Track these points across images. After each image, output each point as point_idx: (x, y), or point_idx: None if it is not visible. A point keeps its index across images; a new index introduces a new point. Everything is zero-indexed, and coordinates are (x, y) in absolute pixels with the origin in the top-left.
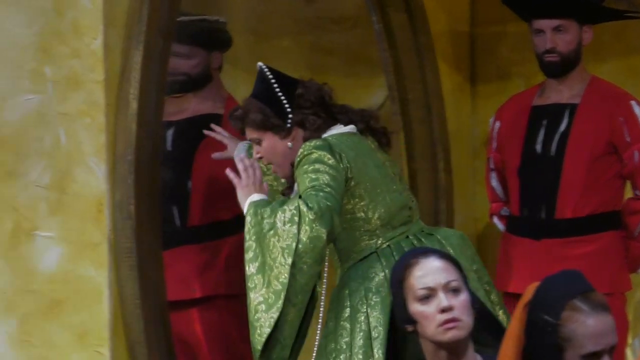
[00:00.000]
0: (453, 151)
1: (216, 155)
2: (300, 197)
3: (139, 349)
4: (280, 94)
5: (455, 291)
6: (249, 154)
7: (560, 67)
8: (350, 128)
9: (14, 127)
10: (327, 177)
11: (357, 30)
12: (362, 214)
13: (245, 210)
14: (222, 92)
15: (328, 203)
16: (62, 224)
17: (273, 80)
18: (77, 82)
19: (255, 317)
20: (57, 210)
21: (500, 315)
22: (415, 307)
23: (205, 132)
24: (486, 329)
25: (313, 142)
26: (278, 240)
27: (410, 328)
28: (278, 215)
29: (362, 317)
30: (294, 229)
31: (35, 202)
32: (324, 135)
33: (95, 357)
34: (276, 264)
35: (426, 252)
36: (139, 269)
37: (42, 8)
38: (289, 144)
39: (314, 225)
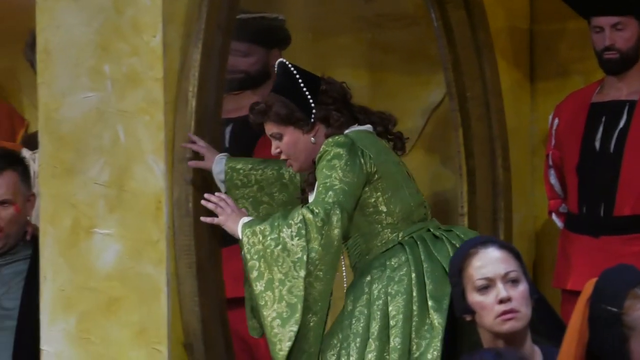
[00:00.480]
0: (511, 148)
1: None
2: (303, 206)
3: (197, 346)
4: (304, 88)
5: (514, 282)
6: (229, 168)
7: (619, 64)
8: (368, 127)
9: (74, 125)
10: (340, 173)
11: (416, 27)
12: (384, 207)
13: (240, 234)
14: None
15: (336, 199)
16: (120, 221)
17: (297, 76)
18: (136, 79)
19: (273, 333)
20: (115, 207)
21: None
22: (474, 297)
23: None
24: (544, 319)
25: (335, 138)
26: (288, 255)
27: (468, 318)
28: (284, 231)
29: (381, 305)
30: (303, 242)
31: (94, 199)
32: (345, 132)
33: (153, 355)
34: (288, 278)
35: (485, 241)
36: (198, 266)
37: (102, 6)
38: (312, 139)
39: (323, 231)
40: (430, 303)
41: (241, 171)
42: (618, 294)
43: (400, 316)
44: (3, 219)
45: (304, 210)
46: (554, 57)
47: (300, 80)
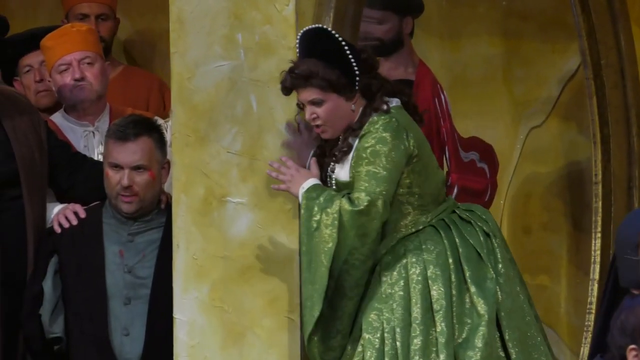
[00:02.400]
0: None
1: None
2: (344, 195)
3: None
4: (350, 56)
5: None
6: None
7: None
8: (397, 101)
9: (206, 94)
10: (384, 160)
11: None
12: (418, 189)
13: (300, 202)
14: (414, 58)
15: (378, 189)
16: (253, 190)
17: (343, 43)
18: (268, 48)
19: (304, 312)
20: (248, 176)
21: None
22: None
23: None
24: None
25: (382, 119)
26: (320, 242)
27: (636, 292)
28: (323, 217)
29: (422, 289)
30: (334, 232)
31: (227, 168)
32: (390, 108)
33: (285, 323)
34: (317, 264)
35: None
36: None
37: None
38: (352, 106)
39: (360, 222)
40: (472, 289)
41: None
42: None
43: (443, 301)
44: (138, 184)
45: (344, 201)
46: None
47: (346, 48)
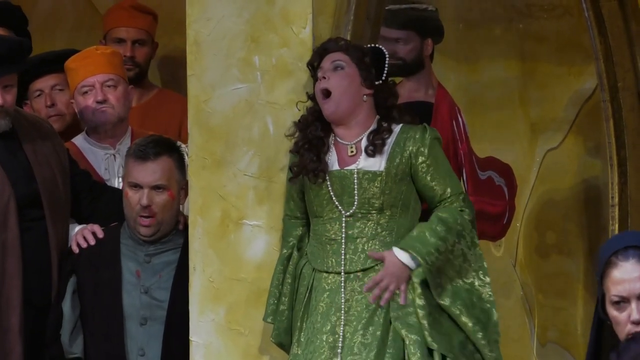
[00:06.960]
0: None
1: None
2: (456, 204)
3: None
4: (387, 66)
5: None
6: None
7: None
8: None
9: (223, 117)
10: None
11: (568, 17)
12: None
13: (413, 265)
14: (433, 81)
15: (461, 187)
16: (269, 213)
17: (387, 55)
18: (285, 71)
19: (477, 338)
20: (264, 199)
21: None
22: (610, 309)
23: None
24: None
25: (433, 130)
26: (470, 265)
27: (608, 321)
28: (461, 243)
29: None
30: (479, 250)
31: (243, 191)
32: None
33: None
34: (475, 287)
35: (627, 250)
36: None
37: None
38: (365, 96)
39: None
40: None
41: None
42: None
43: None
44: (157, 204)
45: (464, 216)
46: None
47: (387, 61)
